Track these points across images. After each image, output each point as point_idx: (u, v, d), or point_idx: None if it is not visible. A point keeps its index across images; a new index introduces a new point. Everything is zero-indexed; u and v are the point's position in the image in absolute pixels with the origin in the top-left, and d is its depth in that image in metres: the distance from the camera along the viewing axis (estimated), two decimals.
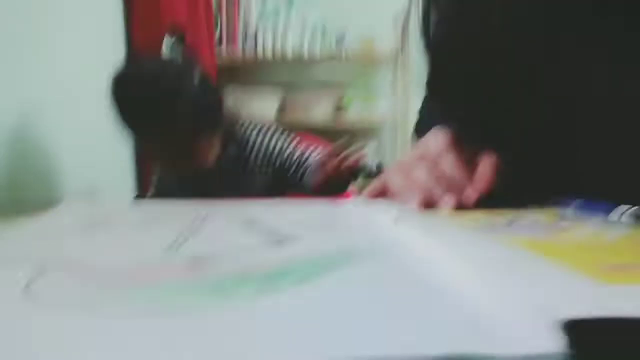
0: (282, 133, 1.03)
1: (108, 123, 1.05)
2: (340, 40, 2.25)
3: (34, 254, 0.27)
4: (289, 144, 1.02)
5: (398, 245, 0.28)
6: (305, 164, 0.99)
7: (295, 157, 1.00)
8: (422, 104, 0.70)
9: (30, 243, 0.32)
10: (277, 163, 1.00)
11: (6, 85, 0.75)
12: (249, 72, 2.38)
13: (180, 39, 0.96)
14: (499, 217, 0.36)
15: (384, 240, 0.30)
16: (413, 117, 2.23)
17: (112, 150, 1.19)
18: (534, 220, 0.32)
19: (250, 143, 1.00)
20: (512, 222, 0.31)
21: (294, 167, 1.00)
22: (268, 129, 1.03)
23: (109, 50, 1.21)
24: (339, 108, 2.26)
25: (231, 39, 2.27)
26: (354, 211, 0.45)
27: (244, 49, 2.26)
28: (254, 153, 0.99)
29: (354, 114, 2.24)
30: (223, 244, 0.30)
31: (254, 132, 1.01)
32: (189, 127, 0.85)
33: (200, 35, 1.27)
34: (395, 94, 2.35)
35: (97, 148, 1.09)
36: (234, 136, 0.99)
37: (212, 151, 0.93)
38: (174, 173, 0.97)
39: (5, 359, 0.13)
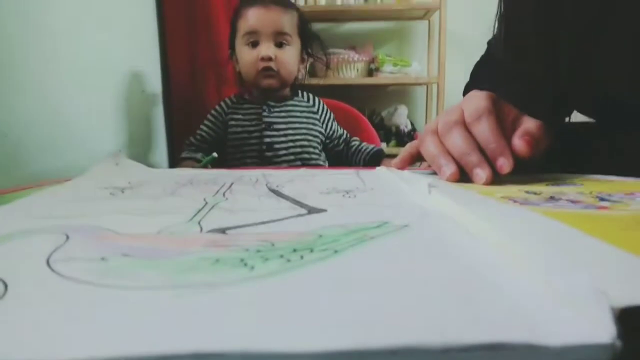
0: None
1: (143, 88, 1.06)
2: None
3: (61, 221, 0.27)
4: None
5: (432, 217, 0.27)
6: (350, 143, 1.11)
7: (341, 132, 1.11)
8: (475, 66, 0.68)
9: (57, 209, 0.32)
10: (329, 131, 1.10)
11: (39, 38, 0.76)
12: None
13: None
14: (540, 189, 0.34)
15: (417, 211, 0.29)
16: (448, 78, 2.18)
17: (147, 114, 1.20)
18: (577, 195, 0.30)
19: (313, 100, 1.11)
20: (554, 197, 0.30)
21: (336, 141, 1.11)
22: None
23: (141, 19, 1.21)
24: (371, 69, 2.21)
25: None
26: (385, 179, 0.44)
27: None
28: (316, 108, 1.09)
29: (387, 75, 2.18)
30: (248, 214, 0.29)
31: (314, 95, 1.12)
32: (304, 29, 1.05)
33: None
34: (430, 55, 2.28)
35: (131, 112, 1.09)
36: (300, 86, 1.12)
37: (294, 74, 1.06)
38: (260, 82, 1.02)
39: (27, 333, 0.13)
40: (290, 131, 1.03)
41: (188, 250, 0.21)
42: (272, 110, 1.04)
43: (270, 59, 0.98)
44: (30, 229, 0.25)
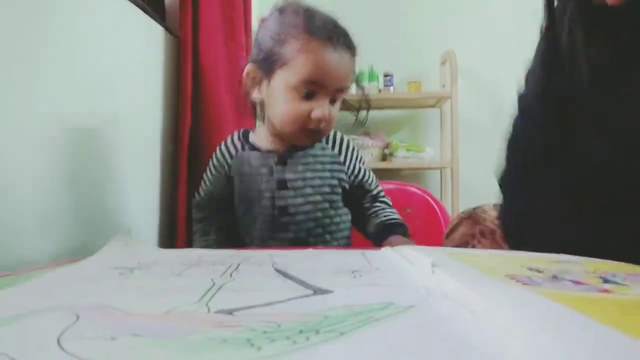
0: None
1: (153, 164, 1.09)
2: (387, 82, 2.27)
3: (70, 300, 0.28)
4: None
5: (436, 298, 0.27)
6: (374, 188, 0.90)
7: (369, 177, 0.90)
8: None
9: (68, 288, 0.33)
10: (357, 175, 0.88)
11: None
12: None
13: None
14: (544, 265, 0.34)
15: (421, 292, 0.29)
16: (461, 163, 2.20)
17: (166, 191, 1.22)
18: (579, 276, 0.30)
19: (334, 141, 0.88)
20: (557, 276, 0.30)
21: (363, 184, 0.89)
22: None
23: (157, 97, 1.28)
24: (385, 154, 2.26)
25: None
26: (390, 259, 0.45)
27: None
28: (343, 157, 0.87)
29: (400, 160, 2.22)
30: (255, 295, 0.29)
31: (335, 133, 0.91)
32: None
33: None
34: (443, 141, 2.33)
35: (141, 190, 1.11)
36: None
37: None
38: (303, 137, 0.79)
39: None
40: (308, 190, 0.81)
41: (196, 331, 0.21)
42: (286, 162, 0.81)
43: (324, 120, 0.76)
44: (42, 308, 0.26)
